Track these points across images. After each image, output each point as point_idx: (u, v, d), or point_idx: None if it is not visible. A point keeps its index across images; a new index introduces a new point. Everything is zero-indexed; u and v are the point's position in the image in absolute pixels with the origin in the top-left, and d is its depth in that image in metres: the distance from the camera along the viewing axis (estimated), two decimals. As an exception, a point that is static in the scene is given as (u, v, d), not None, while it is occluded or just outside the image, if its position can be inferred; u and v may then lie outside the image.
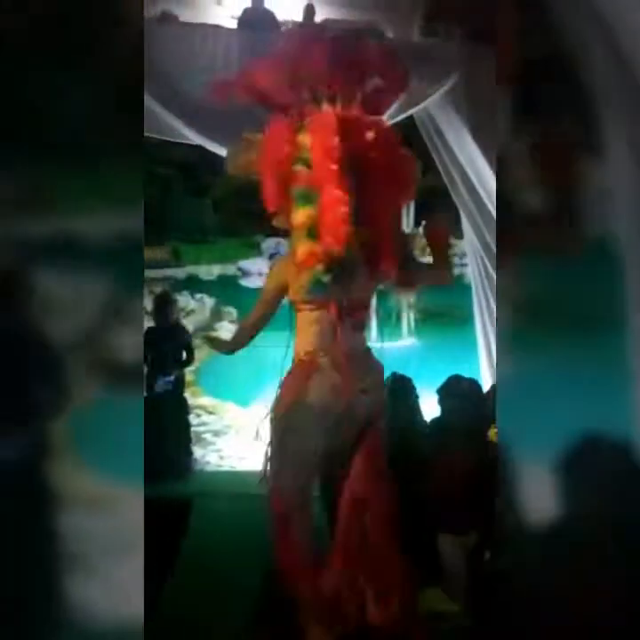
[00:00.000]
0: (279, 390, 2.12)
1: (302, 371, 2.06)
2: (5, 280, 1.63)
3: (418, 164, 2.10)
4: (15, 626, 1.49)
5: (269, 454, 2.13)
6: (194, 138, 3.93)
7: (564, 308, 1.52)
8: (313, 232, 1.93)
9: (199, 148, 4.09)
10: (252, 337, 2.28)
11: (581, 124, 1.51)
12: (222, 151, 4.02)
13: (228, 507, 3.60)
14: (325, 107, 1.99)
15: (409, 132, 4.79)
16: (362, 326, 2.13)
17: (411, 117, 4.38)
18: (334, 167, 1.84)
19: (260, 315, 2.22)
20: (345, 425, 2.07)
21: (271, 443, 2.13)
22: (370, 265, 2.03)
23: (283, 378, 2.13)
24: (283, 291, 2.13)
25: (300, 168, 1.96)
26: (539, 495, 1.46)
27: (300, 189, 1.96)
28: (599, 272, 1.52)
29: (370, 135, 1.94)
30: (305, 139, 1.94)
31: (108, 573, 1.61)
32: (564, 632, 1.37)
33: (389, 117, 4.18)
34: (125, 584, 1.63)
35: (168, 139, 4.11)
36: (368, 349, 2.16)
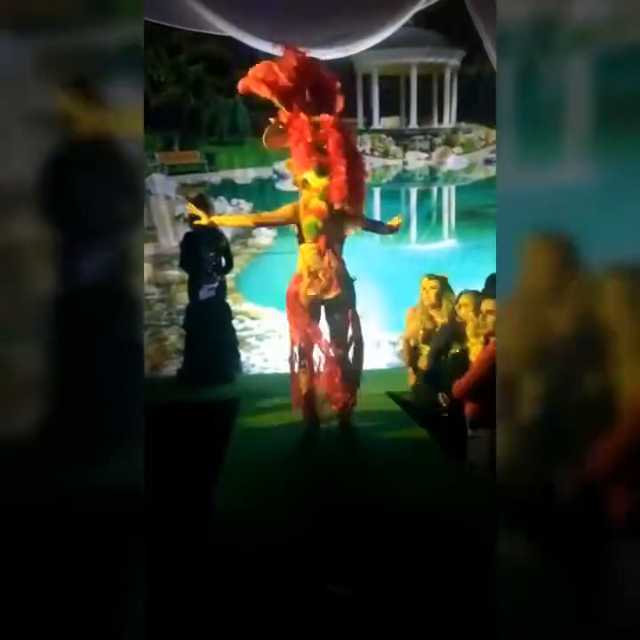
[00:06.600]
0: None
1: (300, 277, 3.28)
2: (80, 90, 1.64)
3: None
4: (104, 418, 1.60)
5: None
6: (224, 28, 3.69)
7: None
8: (324, 195, 3.08)
9: (230, 39, 3.86)
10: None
11: None
12: (254, 42, 3.78)
13: (271, 407, 3.71)
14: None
15: (457, 12, 4.40)
16: (340, 250, 3.27)
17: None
18: (342, 158, 3.00)
19: (265, 222, 3.61)
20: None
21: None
22: (344, 218, 3.19)
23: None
24: (288, 222, 3.27)
25: (318, 153, 3.05)
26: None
27: (319, 167, 3.05)
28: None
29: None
30: (321, 135, 3.06)
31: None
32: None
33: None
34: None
35: (196, 30, 3.88)
36: (343, 263, 3.30)
